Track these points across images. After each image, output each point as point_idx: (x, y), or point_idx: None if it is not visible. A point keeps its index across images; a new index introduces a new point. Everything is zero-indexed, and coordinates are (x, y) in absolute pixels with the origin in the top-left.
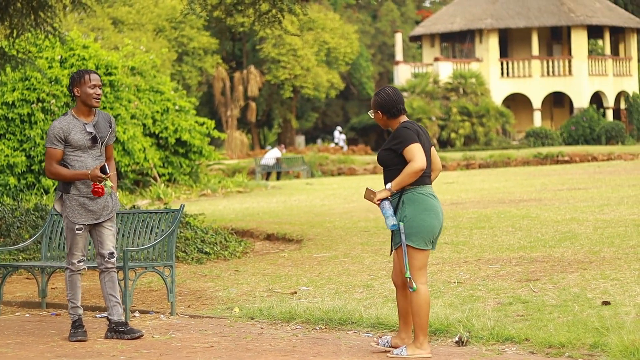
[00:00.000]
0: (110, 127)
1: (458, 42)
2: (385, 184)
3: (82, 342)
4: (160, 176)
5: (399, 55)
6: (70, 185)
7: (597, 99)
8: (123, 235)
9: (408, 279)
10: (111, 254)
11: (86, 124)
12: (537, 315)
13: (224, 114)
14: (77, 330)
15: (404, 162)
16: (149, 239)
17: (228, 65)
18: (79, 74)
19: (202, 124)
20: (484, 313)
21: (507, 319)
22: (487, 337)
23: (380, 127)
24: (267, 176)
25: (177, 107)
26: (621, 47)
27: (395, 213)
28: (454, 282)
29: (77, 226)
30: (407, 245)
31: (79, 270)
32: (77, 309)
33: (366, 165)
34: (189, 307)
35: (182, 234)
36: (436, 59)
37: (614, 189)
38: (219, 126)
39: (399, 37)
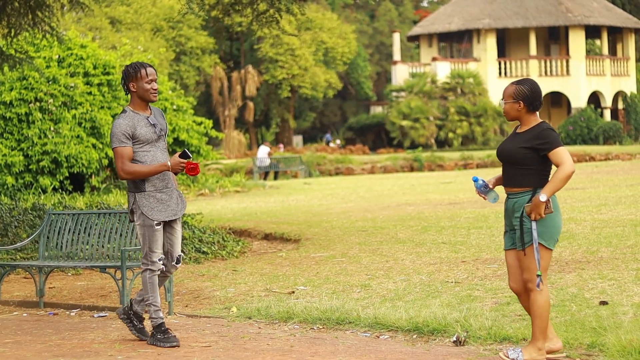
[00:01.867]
0: (164, 120)
1: (456, 42)
2: (507, 180)
3: (82, 342)
4: None
5: (396, 55)
6: (144, 182)
7: (594, 98)
8: (121, 235)
9: (539, 277)
10: (179, 258)
11: (148, 117)
12: None
13: (221, 113)
14: (168, 335)
15: (542, 164)
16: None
17: (226, 64)
18: (135, 68)
19: (199, 124)
20: (482, 313)
21: (504, 318)
22: (485, 337)
23: (506, 117)
24: (265, 176)
25: (174, 107)
26: (619, 47)
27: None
28: (452, 282)
29: (156, 222)
30: (539, 244)
31: (159, 270)
32: (160, 311)
33: (364, 165)
34: (186, 306)
35: None
36: (434, 59)
37: (611, 189)
38: (217, 126)
39: (396, 37)
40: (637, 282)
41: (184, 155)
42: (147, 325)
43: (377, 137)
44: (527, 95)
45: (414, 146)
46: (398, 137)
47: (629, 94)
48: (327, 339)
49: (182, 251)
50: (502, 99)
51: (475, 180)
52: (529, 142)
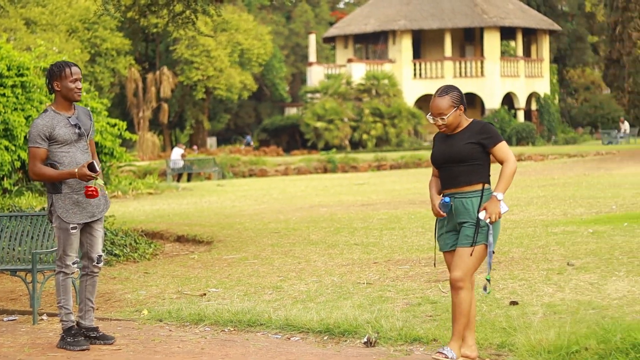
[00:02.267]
0: (91, 120)
1: (371, 44)
2: (454, 180)
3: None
4: None
5: (312, 57)
6: (60, 184)
7: (508, 100)
8: (32, 238)
9: (488, 281)
10: (100, 258)
11: (69, 117)
12: (446, 315)
13: (136, 115)
14: (78, 338)
15: (486, 159)
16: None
17: (141, 66)
18: (59, 67)
19: (113, 125)
20: (393, 314)
21: (415, 319)
22: (396, 338)
23: (447, 130)
24: (178, 178)
25: (89, 108)
26: (533, 48)
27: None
28: (364, 283)
29: (71, 225)
30: (486, 245)
31: (73, 274)
32: (71, 315)
33: (278, 166)
34: (97, 309)
35: None
36: (349, 60)
37: (523, 190)
38: (131, 127)
39: (312, 38)
40: (547, 283)
41: (91, 167)
42: (45, 327)
43: (292, 138)
44: (462, 97)
45: (328, 147)
46: (312, 139)
47: (542, 95)
48: (238, 341)
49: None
50: (438, 115)
51: (448, 201)
52: (473, 138)
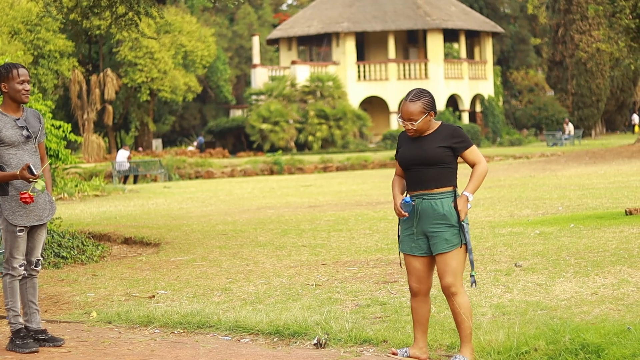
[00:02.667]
0: (40, 123)
1: (315, 46)
2: (423, 183)
3: None
4: None
5: (256, 59)
6: (7, 185)
7: (453, 102)
8: None
9: (473, 277)
10: (38, 261)
11: (17, 119)
12: (395, 316)
13: (80, 117)
14: (26, 340)
15: (455, 163)
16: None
17: (84, 68)
18: (7, 68)
19: (58, 127)
20: (342, 315)
21: (365, 320)
22: (346, 339)
23: (416, 133)
24: (124, 180)
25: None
26: (476, 50)
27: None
28: (312, 285)
29: (18, 228)
30: (464, 245)
31: (20, 276)
32: (19, 317)
33: (224, 168)
34: (45, 311)
35: None
36: (293, 62)
37: None
38: (76, 129)
39: (256, 40)
40: (495, 284)
41: (30, 170)
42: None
43: (237, 140)
44: (433, 102)
45: (274, 149)
46: (258, 141)
47: (486, 97)
48: (188, 342)
49: (41, 255)
50: (408, 119)
51: (409, 201)
52: (445, 142)
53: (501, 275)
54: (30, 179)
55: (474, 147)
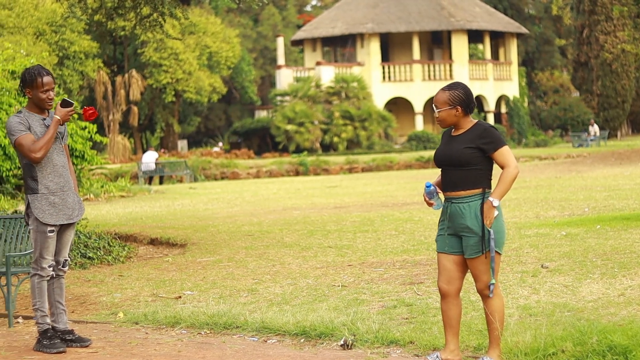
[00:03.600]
0: (64, 125)
1: (340, 47)
2: (452, 184)
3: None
4: None
5: (280, 60)
6: (37, 183)
7: (478, 103)
8: (5, 241)
9: (492, 284)
10: (66, 262)
11: (43, 119)
12: (422, 318)
13: (106, 118)
14: (54, 341)
15: (488, 164)
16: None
17: (109, 69)
18: (31, 75)
19: (84, 128)
20: (369, 316)
21: (391, 322)
22: (372, 340)
23: (441, 125)
24: (150, 181)
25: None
26: (501, 51)
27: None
28: (339, 286)
29: (49, 228)
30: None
31: (48, 276)
32: (47, 317)
33: (249, 169)
34: (73, 312)
35: None
36: (318, 63)
37: None
38: (101, 130)
39: (280, 41)
40: (522, 285)
41: (65, 104)
42: (21, 330)
43: (263, 141)
44: (463, 99)
45: (299, 150)
46: (283, 142)
47: (511, 98)
48: (215, 343)
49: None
50: (435, 106)
51: (429, 186)
52: (473, 142)
53: (528, 277)
54: (72, 110)
55: (504, 148)
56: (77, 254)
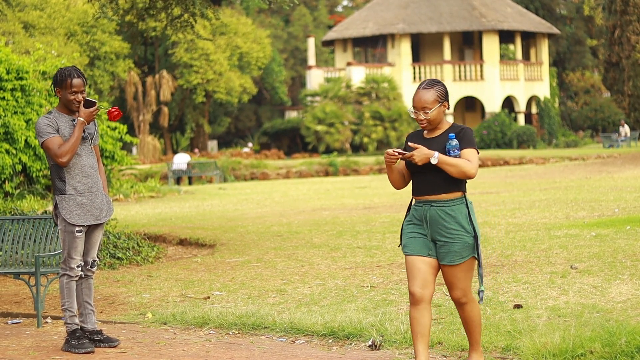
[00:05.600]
0: (95, 126)
1: (370, 47)
2: (431, 188)
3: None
4: None
5: (311, 60)
6: (65, 184)
7: (508, 103)
8: (35, 241)
9: (482, 292)
10: (94, 262)
11: (73, 119)
12: (450, 318)
13: (136, 118)
14: (82, 341)
15: None
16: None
17: (140, 69)
18: (62, 76)
19: (114, 129)
20: (397, 317)
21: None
22: (400, 341)
23: (428, 126)
24: (178, 181)
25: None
26: (532, 51)
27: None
28: (367, 286)
29: (77, 228)
30: (474, 258)
31: (77, 276)
32: (75, 317)
33: (279, 170)
34: (101, 312)
35: None
36: (349, 64)
37: (525, 193)
38: (132, 131)
39: (311, 42)
40: (551, 286)
41: (87, 104)
42: (49, 330)
43: (292, 142)
44: (446, 93)
45: (329, 151)
46: (313, 142)
47: (542, 99)
48: (243, 344)
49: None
50: (421, 109)
51: (453, 137)
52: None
53: (557, 277)
54: (95, 110)
55: (473, 150)
56: (107, 254)
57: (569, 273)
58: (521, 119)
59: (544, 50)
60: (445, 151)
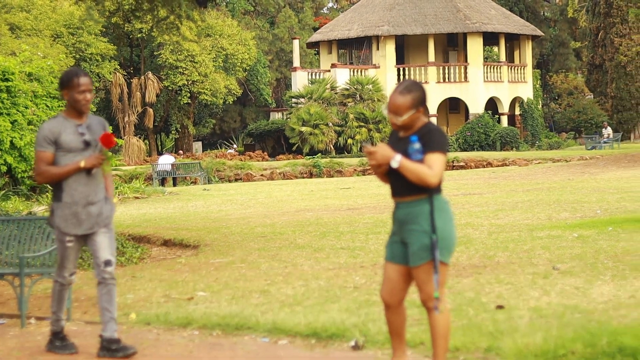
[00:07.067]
0: (104, 131)
1: (355, 49)
2: (399, 188)
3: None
4: None
5: (296, 62)
6: (61, 192)
7: (492, 105)
8: (19, 242)
9: (436, 299)
10: (107, 262)
11: (79, 125)
12: None
13: (121, 119)
14: (65, 342)
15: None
16: (46, 245)
17: (126, 71)
18: (68, 76)
19: None
20: (380, 317)
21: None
22: (383, 342)
23: (401, 129)
24: (163, 182)
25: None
26: (516, 53)
27: (415, 221)
28: (351, 287)
29: (67, 238)
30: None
31: (69, 284)
32: (61, 321)
33: (263, 171)
34: (85, 313)
35: None
36: (333, 66)
37: (508, 194)
38: (117, 132)
39: (296, 44)
40: (533, 287)
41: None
42: (34, 331)
43: (277, 143)
44: (423, 99)
45: (313, 152)
46: (297, 144)
47: (525, 100)
48: (226, 344)
49: (81, 258)
50: (394, 113)
51: (415, 140)
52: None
53: (539, 278)
54: (101, 159)
55: (438, 155)
56: (91, 254)
57: (551, 274)
58: (504, 121)
59: (527, 52)
60: (407, 150)
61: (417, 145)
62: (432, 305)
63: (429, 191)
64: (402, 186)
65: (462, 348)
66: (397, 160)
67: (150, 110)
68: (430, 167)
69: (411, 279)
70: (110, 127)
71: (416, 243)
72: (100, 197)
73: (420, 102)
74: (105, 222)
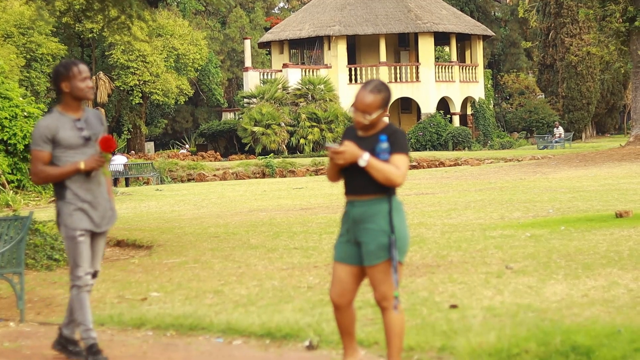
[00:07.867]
0: (102, 125)
1: (307, 49)
2: (358, 187)
3: None
4: (8, 183)
5: (248, 62)
6: (65, 190)
7: (444, 104)
8: None
9: (396, 298)
10: (96, 273)
11: (76, 120)
12: None
13: None
14: (98, 356)
15: None
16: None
17: None
18: (66, 67)
19: None
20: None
21: (356, 323)
22: (337, 341)
23: (365, 128)
24: (115, 182)
25: (25, 114)
26: (467, 53)
27: (373, 220)
28: (304, 287)
29: (78, 232)
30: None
31: (87, 286)
32: (91, 331)
33: (216, 171)
34: (38, 314)
35: (31, 241)
36: (285, 65)
37: (460, 194)
38: None
39: (247, 44)
40: (486, 286)
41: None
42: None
43: (229, 143)
44: (389, 100)
45: (265, 152)
46: (250, 144)
47: (477, 100)
48: (180, 345)
49: (30, 257)
50: (363, 111)
51: (384, 140)
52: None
53: (492, 278)
54: (101, 161)
55: (403, 156)
56: (44, 255)
57: (504, 273)
58: (456, 121)
59: (478, 52)
60: (370, 150)
61: (385, 145)
62: (388, 304)
63: (387, 191)
64: (360, 184)
65: (416, 347)
66: (365, 159)
67: (102, 110)
68: (398, 168)
69: (362, 279)
70: None
71: (373, 242)
72: (104, 197)
73: (387, 102)
74: (109, 226)
